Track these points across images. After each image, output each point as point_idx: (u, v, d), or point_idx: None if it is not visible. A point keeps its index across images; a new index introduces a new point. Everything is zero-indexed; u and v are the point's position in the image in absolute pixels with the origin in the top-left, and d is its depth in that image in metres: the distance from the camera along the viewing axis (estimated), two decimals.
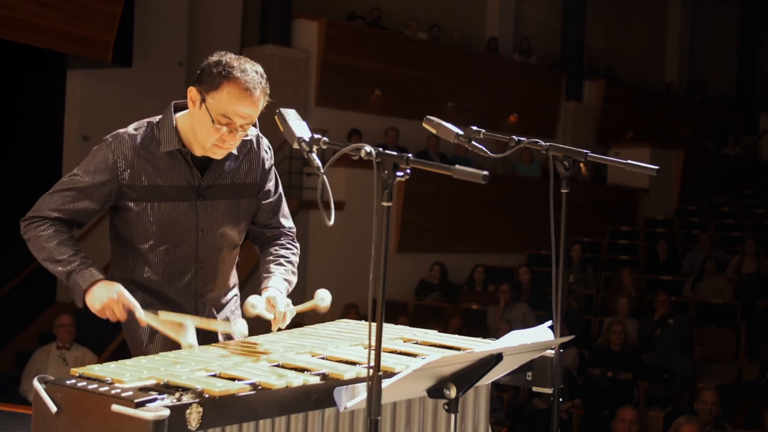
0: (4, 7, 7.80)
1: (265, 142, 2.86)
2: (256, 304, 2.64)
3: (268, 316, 2.65)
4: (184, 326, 2.56)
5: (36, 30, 8.13)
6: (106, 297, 2.52)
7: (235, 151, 2.73)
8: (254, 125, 2.62)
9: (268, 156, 2.85)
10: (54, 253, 2.57)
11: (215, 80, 2.51)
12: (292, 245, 2.95)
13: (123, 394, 1.95)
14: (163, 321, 2.57)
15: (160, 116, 2.70)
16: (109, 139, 2.63)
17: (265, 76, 2.58)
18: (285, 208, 2.97)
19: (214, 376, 2.16)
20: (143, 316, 2.54)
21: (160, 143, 2.64)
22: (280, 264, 2.84)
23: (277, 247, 2.90)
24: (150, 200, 2.63)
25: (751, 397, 7.47)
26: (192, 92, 2.57)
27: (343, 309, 8.69)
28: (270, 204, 2.90)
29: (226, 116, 2.52)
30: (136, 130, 2.66)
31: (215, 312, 2.84)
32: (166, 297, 2.71)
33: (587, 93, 15.38)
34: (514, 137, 2.78)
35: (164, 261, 2.65)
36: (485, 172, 2.01)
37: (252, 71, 2.53)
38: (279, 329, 2.68)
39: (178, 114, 2.68)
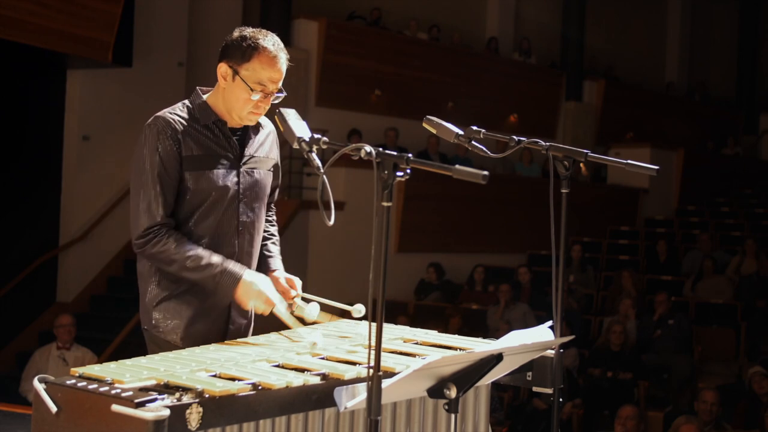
0: (4, 7, 7.80)
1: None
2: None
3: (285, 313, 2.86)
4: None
5: (36, 30, 8.12)
6: (252, 297, 2.74)
7: (262, 127, 2.94)
8: (280, 90, 2.80)
9: (278, 140, 3.03)
10: (188, 263, 2.70)
11: (246, 53, 2.71)
12: (274, 217, 3.17)
13: (123, 394, 1.95)
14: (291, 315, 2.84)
15: (187, 99, 2.85)
16: (151, 122, 2.76)
17: (281, 42, 2.79)
18: None
19: (214, 376, 2.17)
20: (282, 313, 2.78)
21: (198, 118, 2.79)
22: (275, 243, 3.09)
23: (267, 225, 3.07)
24: (201, 168, 2.76)
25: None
26: (222, 68, 2.76)
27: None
28: (278, 180, 3.07)
29: (261, 83, 2.73)
30: (171, 110, 2.81)
31: None
32: None
33: (587, 93, 15.36)
34: (514, 137, 2.79)
35: (211, 229, 2.78)
36: (485, 172, 2.01)
37: (273, 40, 2.76)
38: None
39: (204, 96, 2.86)
